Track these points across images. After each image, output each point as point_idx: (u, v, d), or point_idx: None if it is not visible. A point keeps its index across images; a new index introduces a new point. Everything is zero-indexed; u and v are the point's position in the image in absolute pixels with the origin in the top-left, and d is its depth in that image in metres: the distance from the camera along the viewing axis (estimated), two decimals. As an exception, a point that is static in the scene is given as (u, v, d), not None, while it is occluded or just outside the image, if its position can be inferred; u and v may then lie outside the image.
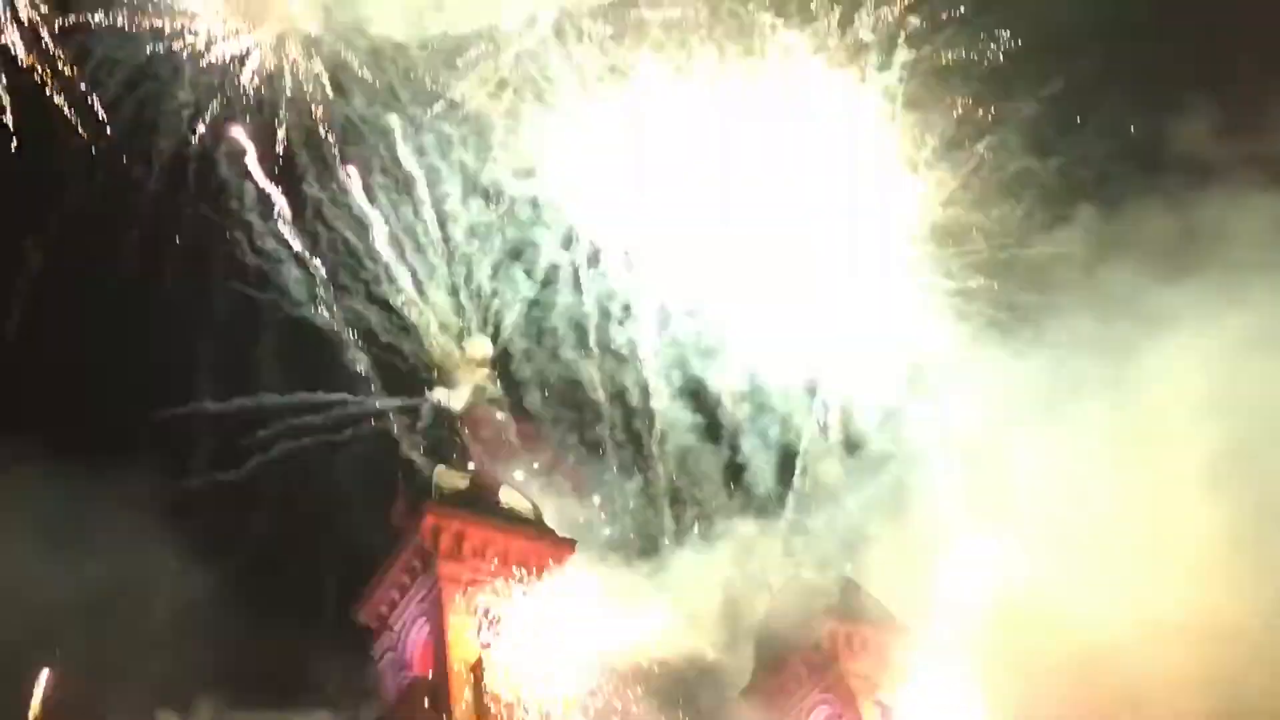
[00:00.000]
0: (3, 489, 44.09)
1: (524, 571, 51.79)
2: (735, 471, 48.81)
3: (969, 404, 44.84)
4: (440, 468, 54.17)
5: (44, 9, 37.86)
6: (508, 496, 54.05)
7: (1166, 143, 46.49)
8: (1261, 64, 47.00)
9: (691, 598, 47.94)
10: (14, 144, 39.01)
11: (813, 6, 44.43)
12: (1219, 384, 42.10)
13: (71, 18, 38.79)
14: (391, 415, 48.20)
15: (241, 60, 39.54)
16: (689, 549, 49.43)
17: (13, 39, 37.55)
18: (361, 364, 44.79)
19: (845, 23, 45.38)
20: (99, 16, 38.73)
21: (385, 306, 44.42)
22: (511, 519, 53.90)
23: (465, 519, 53.54)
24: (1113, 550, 42.35)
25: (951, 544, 45.04)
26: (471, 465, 53.86)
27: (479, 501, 54.08)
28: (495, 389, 51.06)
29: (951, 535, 44.77)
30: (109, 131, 39.55)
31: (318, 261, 43.12)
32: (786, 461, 48.78)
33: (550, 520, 52.57)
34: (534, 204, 44.84)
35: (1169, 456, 42.12)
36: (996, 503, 43.88)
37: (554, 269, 45.86)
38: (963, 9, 44.15)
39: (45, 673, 42.93)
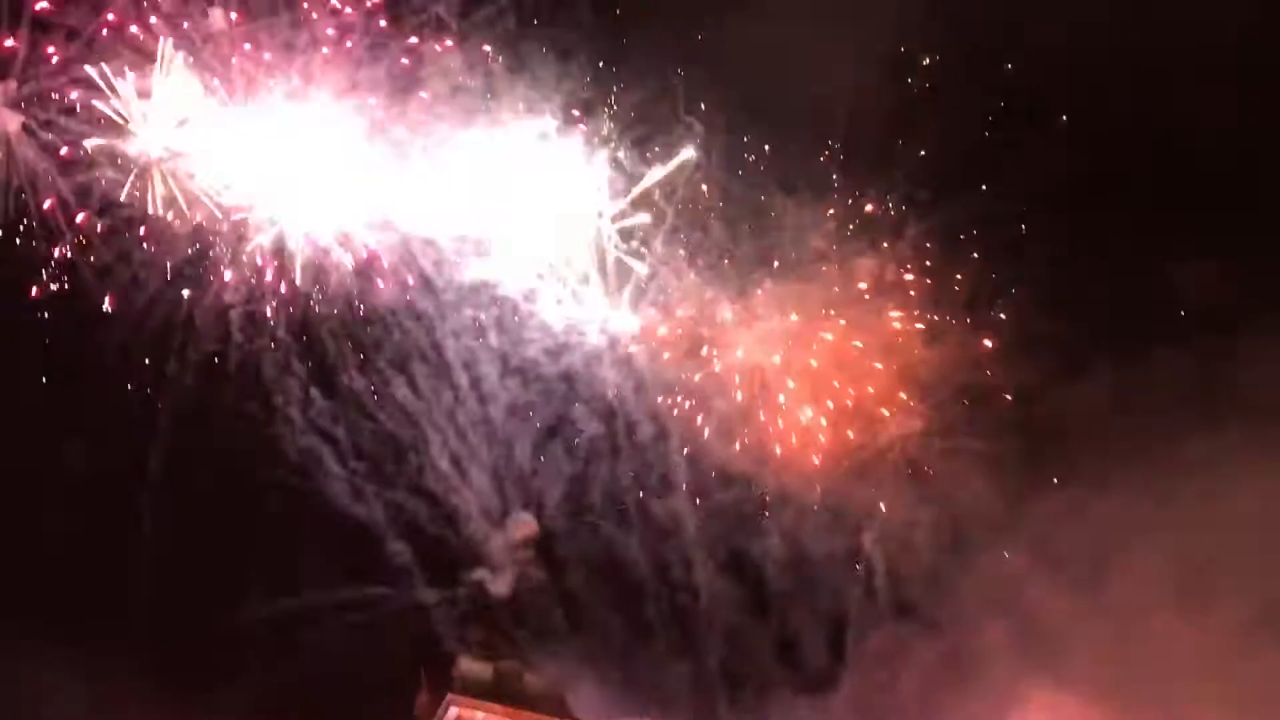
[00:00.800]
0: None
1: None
2: (786, 645, 48.27)
3: (1014, 563, 44.87)
4: (464, 657, 53.05)
5: (85, 219, 38.09)
6: (535, 684, 52.94)
7: (1180, 290, 47.42)
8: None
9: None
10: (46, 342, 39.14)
11: (833, 181, 45.51)
12: (1268, 529, 42.38)
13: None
14: (431, 606, 47.61)
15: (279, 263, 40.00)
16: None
17: (52, 253, 37.91)
18: (403, 556, 44.39)
19: (856, 198, 46.41)
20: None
21: (427, 494, 44.16)
22: (538, 707, 52.75)
23: (489, 709, 52.38)
24: (1176, 701, 42.06)
25: (1011, 706, 44.53)
26: (500, 652, 52.84)
27: (504, 690, 52.94)
28: (538, 570, 50.69)
29: (1010, 697, 44.29)
30: (145, 334, 39.63)
31: (359, 454, 43.02)
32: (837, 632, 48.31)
33: (588, 706, 51.40)
34: (568, 380, 45.09)
35: (1225, 603, 42.17)
36: (1052, 659, 43.59)
37: (592, 444, 45.97)
38: (984, 187, 45.36)
39: None
